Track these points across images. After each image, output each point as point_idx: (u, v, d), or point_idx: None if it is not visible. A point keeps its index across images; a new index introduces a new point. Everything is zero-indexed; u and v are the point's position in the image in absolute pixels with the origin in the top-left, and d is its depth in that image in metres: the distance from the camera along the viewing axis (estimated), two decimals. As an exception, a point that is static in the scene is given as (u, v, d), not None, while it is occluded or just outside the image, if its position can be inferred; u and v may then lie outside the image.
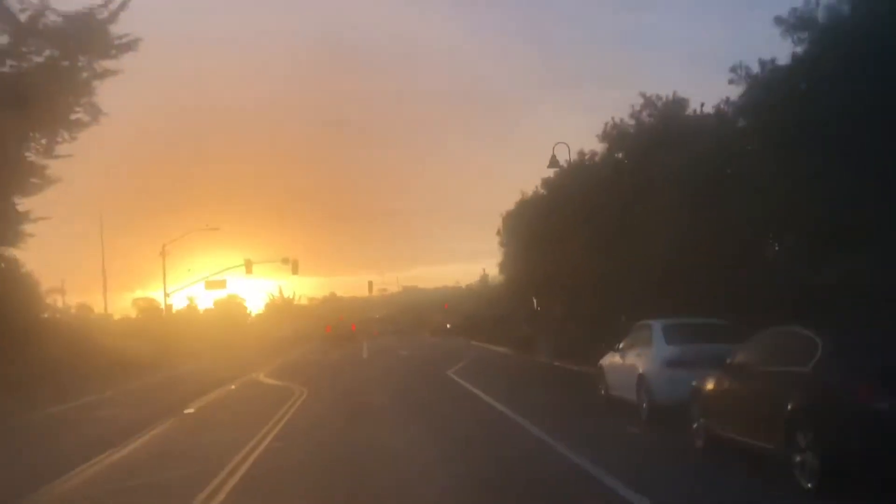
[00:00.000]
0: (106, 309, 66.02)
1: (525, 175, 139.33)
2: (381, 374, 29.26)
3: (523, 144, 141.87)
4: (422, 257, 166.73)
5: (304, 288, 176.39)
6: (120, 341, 44.62)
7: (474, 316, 67.07)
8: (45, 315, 44.97)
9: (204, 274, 67.96)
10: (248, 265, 68.63)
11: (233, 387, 27.12)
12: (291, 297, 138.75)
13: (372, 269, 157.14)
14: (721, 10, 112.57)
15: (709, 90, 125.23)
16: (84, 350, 36.07)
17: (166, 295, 69.47)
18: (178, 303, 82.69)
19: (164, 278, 66.98)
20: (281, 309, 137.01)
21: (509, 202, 55.73)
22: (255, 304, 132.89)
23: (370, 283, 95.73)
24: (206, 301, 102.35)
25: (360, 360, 40.01)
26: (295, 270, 69.01)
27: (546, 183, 36.54)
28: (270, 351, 53.16)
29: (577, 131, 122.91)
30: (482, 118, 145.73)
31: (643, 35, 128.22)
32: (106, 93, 34.46)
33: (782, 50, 18.02)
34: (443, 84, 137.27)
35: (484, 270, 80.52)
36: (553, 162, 31.36)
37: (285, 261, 68.37)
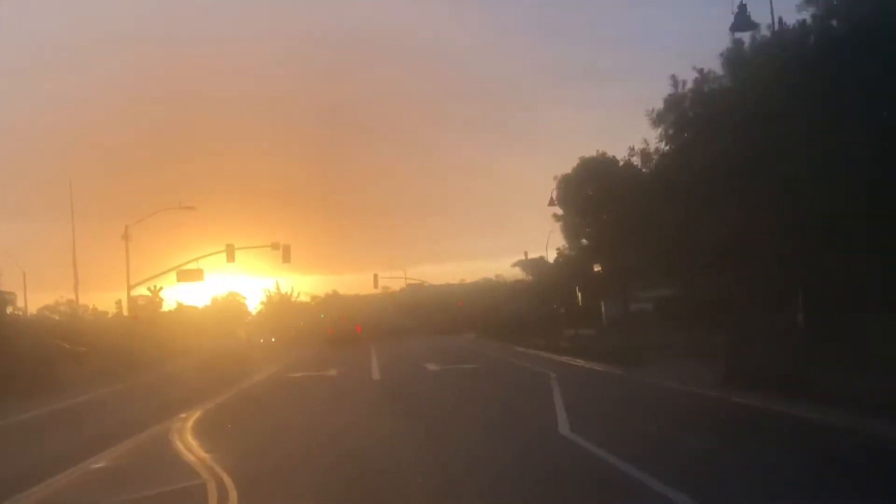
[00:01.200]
0: (77, 300, 59.97)
1: (536, 173, 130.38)
2: (415, 433, 14.40)
3: (532, 144, 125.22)
4: (424, 256, 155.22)
5: (305, 286, 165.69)
6: (82, 344, 40.43)
7: (516, 314, 52.38)
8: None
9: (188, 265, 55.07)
10: (230, 251, 54.83)
11: (100, 465, 12.44)
12: (290, 293, 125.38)
13: (374, 268, 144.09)
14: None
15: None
16: (24, 356, 31.00)
17: (129, 288, 55.72)
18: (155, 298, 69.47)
19: (128, 267, 53.60)
20: (278, 306, 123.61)
21: (565, 166, 42.06)
22: (259, 303, 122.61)
23: (375, 276, 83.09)
24: (183, 296, 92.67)
25: (370, 386, 25.00)
26: (287, 258, 55.11)
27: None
28: (251, 359, 38.92)
29: (590, 130, 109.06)
30: (492, 116, 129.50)
31: (651, 30, 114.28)
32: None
33: None
34: (452, 81, 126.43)
35: (526, 254, 66.46)
36: (741, 20, 16.73)
37: (275, 247, 54.63)
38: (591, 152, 41.32)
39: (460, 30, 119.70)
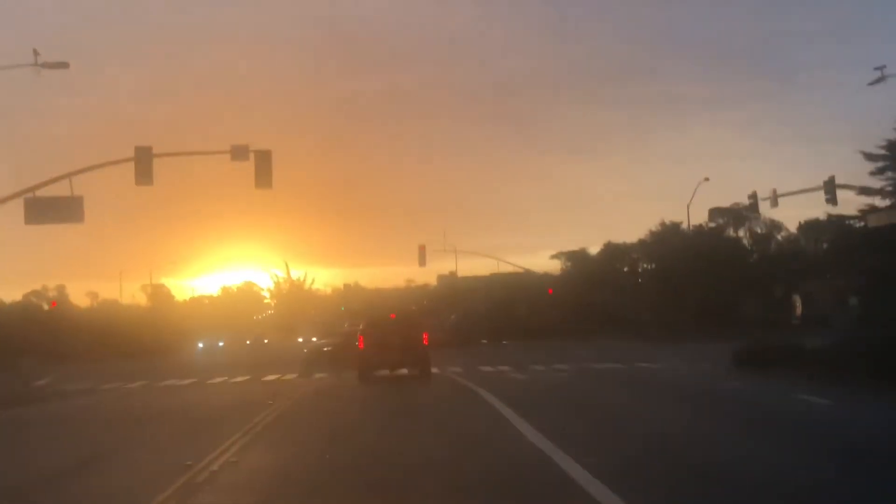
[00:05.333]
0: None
1: (554, 170, 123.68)
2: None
3: (552, 141, 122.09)
4: (441, 252, 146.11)
5: (323, 279, 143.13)
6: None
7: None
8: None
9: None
10: (142, 161, 22.68)
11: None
12: (302, 279, 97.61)
13: (392, 264, 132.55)
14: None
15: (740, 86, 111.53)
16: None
17: None
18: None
19: None
20: (289, 297, 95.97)
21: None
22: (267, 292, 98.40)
23: (422, 248, 57.09)
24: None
25: None
26: (265, 180, 22.51)
27: None
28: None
29: (612, 125, 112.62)
30: (515, 113, 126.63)
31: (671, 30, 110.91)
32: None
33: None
34: (479, 78, 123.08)
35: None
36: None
37: (238, 154, 22.74)
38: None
39: (496, 26, 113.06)
